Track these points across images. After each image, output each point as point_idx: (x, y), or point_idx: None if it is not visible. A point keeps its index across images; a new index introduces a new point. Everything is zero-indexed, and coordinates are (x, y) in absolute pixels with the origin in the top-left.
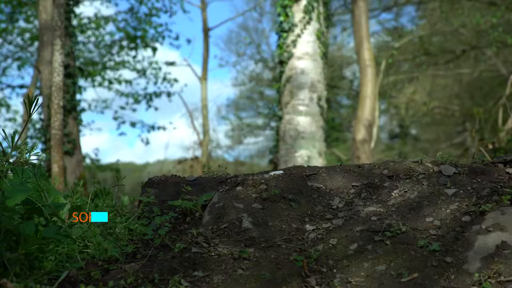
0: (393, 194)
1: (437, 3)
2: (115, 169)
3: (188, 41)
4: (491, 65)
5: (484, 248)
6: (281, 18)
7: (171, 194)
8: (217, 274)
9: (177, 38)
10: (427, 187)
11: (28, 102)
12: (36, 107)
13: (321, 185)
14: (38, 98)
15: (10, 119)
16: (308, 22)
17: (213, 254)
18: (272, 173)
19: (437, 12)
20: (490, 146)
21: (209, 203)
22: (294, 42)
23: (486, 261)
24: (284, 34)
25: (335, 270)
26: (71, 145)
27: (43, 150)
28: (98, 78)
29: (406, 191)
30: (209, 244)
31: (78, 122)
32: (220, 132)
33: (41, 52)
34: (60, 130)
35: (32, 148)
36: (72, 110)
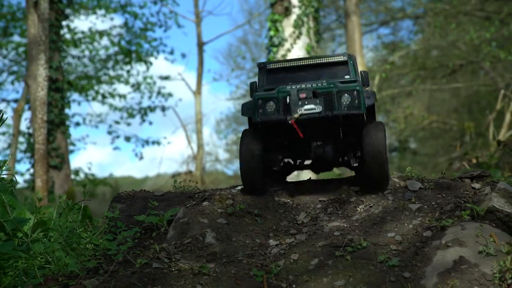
0: (358, 209)
1: (432, 17)
2: (83, 184)
3: (183, 55)
4: (489, 79)
5: (442, 263)
6: (271, 33)
7: (139, 209)
8: None
9: (171, 52)
10: (392, 202)
11: None
12: (1, 122)
13: (288, 200)
14: (3, 113)
15: (3, 133)
16: (298, 37)
17: (173, 269)
18: (239, 188)
19: (433, 27)
20: (474, 161)
21: (175, 218)
22: (284, 57)
23: (443, 276)
24: (274, 49)
25: (294, 286)
26: (59, 160)
27: (32, 165)
28: (92, 92)
29: (371, 206)
30: (170, 260)
31: (67, 136)
32: (220, 147)
33: (30, 66)
34: (43, 145)
35: (4, 163)
36: (60, 124)
